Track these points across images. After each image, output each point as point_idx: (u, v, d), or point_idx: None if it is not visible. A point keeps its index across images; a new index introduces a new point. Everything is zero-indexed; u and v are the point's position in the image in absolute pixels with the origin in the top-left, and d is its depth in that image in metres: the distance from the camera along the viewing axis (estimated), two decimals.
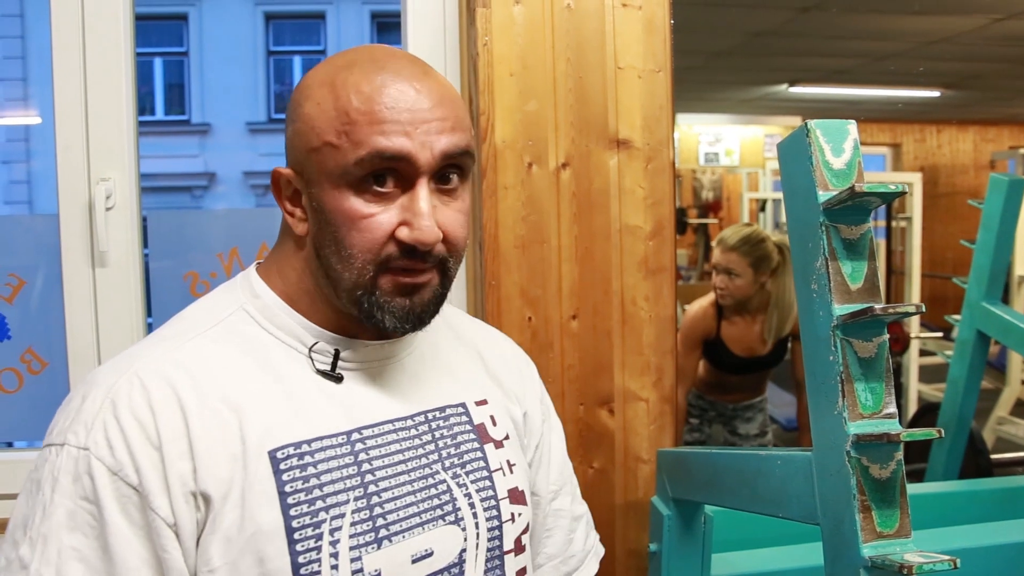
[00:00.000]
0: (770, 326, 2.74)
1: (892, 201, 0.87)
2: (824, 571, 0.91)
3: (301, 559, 0.77)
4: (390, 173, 0.79)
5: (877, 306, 0.81)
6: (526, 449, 1.03)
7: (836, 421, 0.87)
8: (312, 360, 0.85)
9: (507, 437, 0.96)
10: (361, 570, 0.79)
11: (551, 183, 1.54)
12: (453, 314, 1.05)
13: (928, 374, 4.47)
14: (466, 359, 1.00)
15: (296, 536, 0.77)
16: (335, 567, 0.78)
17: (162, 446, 0.75)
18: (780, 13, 4.47)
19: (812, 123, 0.90)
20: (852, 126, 0.91)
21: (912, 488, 1.99)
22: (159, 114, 11.22)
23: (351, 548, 0.79)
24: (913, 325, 4.33)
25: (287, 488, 0.78)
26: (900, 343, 4.06)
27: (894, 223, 4.59)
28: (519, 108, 1.52)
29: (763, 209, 7.04)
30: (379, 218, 0.79)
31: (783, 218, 6.87)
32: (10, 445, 2.05)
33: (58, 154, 1.58)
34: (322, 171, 0.79)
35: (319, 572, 0.77)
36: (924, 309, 0.81)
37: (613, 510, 1.59)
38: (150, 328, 1.65)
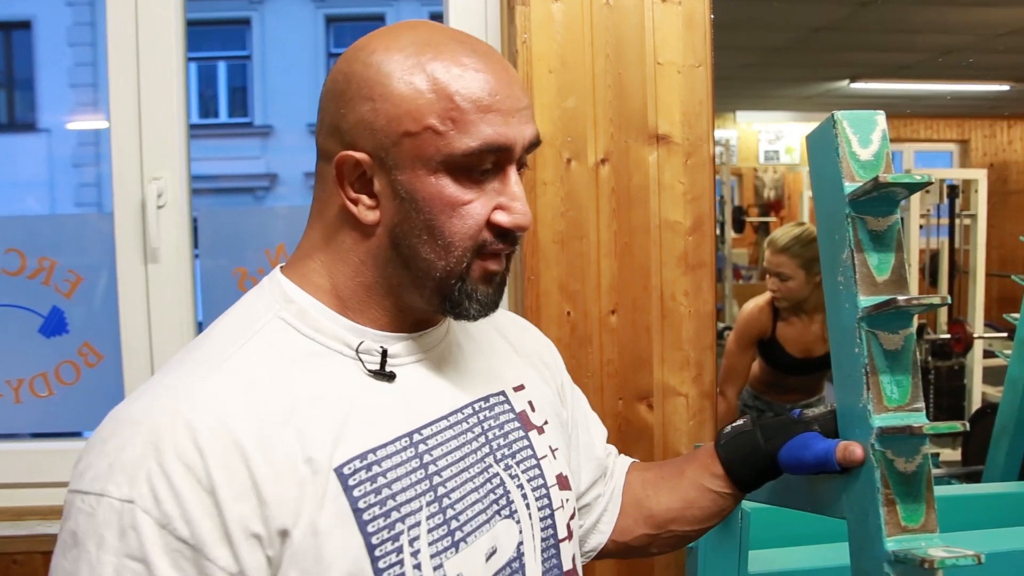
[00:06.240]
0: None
1: (918, 192, 0.85)
2: (850, 566, 0.90)
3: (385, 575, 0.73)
4: (490, 160, 0.78)
5: (901, 297, 0.80)
6: (567, 422, 1.02)
7: (861, 414, 0.86)
8: (362, 361, 0.80)
9: (546, 422, 0.94)
10: None
11: (590, 179, 1.54)
12: None
13: (993, 376, 4.33)
14: (494, 343, 0.97)
15: (377, 553, 0.73)
16: None
17: (215, 490, 0.67)
18: (839, 8, 4.38)
19: (839, 114, 0.88)
20: (880, 117, 0.89)
21: (965, 489, 1.94)
22: (223, 116, 11.47)
23: (431, 556, 0.76)
24: (977, 325, 4.20)
25: (360, 504, 0.73)
26: (963, 343, 3.94)
27: (958, 221, 4.46)
28: (558, 105, 1.53)
29: None
30: (475, 204, 0.78)
31: None
32: (79, 435, 2.14)
33: (113, 155, 1.65)
34: (418, 156, 0.76)
35: None
36: (949, 301, 0.80)
37: None
38: (199, 324, 1.71)
